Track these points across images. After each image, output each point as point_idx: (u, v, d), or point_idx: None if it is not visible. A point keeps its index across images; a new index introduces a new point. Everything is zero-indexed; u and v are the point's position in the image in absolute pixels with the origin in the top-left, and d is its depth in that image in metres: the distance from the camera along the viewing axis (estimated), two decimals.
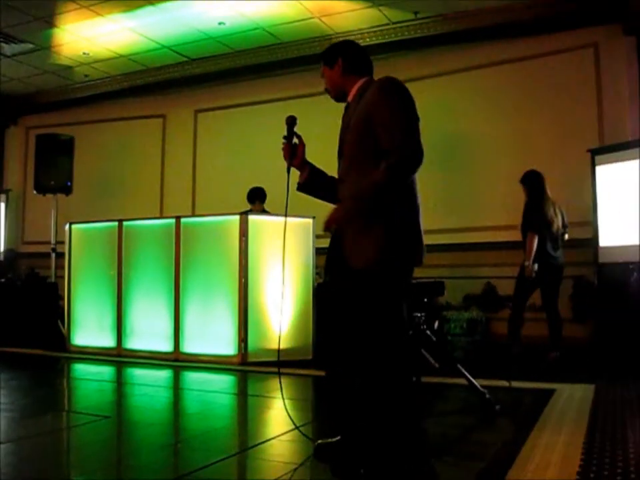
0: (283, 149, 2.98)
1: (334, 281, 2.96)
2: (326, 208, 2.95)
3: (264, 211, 7.04)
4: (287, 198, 2.98)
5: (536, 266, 6.02)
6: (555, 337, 6.14)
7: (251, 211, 6.87)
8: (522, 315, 6.34)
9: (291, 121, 2.99)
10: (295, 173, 2.99)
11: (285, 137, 2.98)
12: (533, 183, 6.24)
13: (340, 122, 2.95)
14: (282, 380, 3.69)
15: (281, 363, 5.82)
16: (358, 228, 2.66)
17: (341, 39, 7.42)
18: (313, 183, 3.02)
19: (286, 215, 3.06)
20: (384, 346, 2.59)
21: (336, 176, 2.93)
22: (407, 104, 2.67)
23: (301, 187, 3.03)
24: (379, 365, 2.58)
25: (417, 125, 2.66)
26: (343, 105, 2.97)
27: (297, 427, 3.26)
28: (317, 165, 3.04)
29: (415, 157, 2.58)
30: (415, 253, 2.69)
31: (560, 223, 6.23)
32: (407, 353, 2.70)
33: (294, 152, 2.98)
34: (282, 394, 3.46)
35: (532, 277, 6.04)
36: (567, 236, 6.35)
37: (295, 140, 2.99)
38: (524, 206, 6.29)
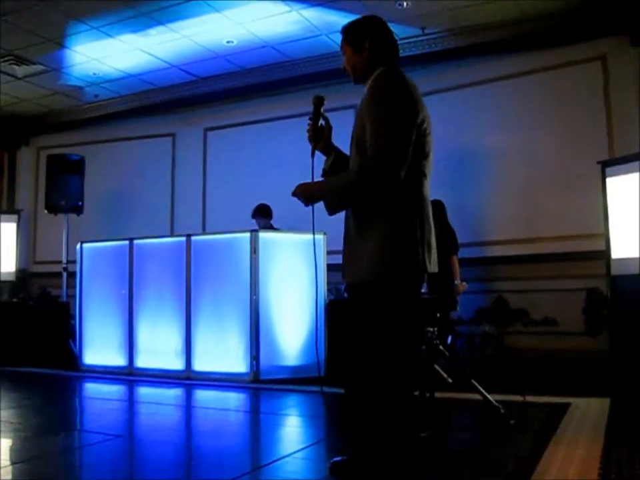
0: (308, 130, 2.80)
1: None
2: (336, 223, 2.93)
3: (271, 227, 7.02)
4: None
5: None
6: None
7: (263, 228, 6.85)
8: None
9: (318, 101, 2.81)
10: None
11: (310, 118, 2.80)
12: (439, 209, 6.53)
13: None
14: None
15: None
16: (356, 243, 2.62)
17: None
18: (340, 168, 2.77)
19: (313, 210, 2.77)
20: (382, 360, 2.50)
21: None
22: (394, 103, 2.48)
23: (327, 173, 2.83)
24: (378, 377, 2.52)
25: (400, 127, 2.45)
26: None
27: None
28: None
29: (388, 161, 2.41)
30: (413, 260, 2.49)
31: None
32: (407, 368, 2.55)
33: (319, 134, 2.80)
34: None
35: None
36: None
37: (322, 122, 2.81)
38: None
